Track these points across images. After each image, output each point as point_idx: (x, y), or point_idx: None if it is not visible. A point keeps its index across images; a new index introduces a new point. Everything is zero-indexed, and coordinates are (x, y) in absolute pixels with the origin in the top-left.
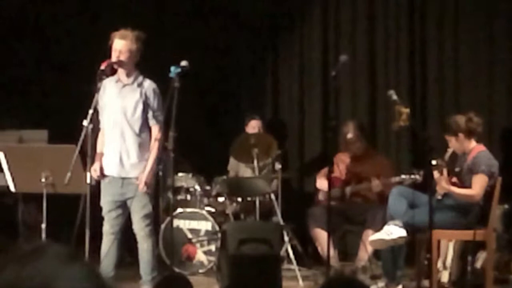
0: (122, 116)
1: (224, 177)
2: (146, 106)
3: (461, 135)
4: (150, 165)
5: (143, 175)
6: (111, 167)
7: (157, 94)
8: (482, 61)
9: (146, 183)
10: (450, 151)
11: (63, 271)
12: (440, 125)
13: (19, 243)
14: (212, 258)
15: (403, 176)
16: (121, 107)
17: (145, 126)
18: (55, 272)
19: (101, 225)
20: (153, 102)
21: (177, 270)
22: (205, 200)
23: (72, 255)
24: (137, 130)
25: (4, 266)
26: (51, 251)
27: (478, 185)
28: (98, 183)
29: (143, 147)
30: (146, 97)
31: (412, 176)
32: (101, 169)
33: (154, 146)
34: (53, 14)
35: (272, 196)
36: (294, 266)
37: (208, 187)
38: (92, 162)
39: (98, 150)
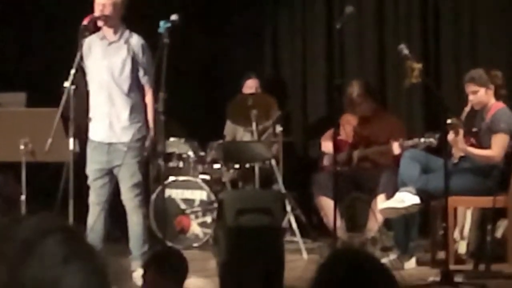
0: (109, 76)
1: (220, 141)
2: (135, 63)
3: (492, 87)
4: (153, 130)
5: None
6: (99, 132)
7: (146, 50)
8: (500, 13)
9: (147, 149)
10: (467, 109)
11: (64, 276)
12: (456, 82)
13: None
14: (208, 231)
15: (416, 140)
16: (107, 67)
17: (134, 86)
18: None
19: (86, 196)
20: (143, 58)
21: (169, 244)
22: (200, 167)
23: (68, 254)
24: (126, 91)
25: None
26: (44, 253)
27: (497, 145)
28: (82, 150)
29: (134, 109)
30: (135, 54)
31: (427, 140)
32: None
33: (152, 110)
34: None
35: (273, 162)
36: (298, 238)
37: (202, 153)
38: (77, 127)
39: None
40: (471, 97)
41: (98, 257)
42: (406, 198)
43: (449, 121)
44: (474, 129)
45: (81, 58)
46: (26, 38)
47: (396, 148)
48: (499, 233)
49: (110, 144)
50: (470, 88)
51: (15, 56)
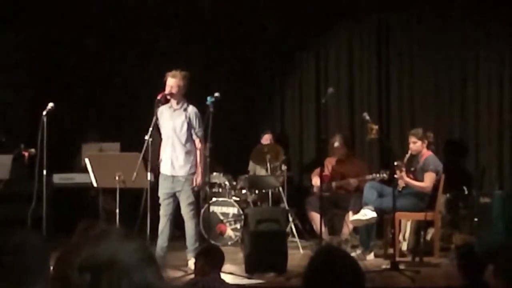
0: (172, 132)
1: (246, 175)
2: (190, 124)
3: (426, 141)
4: (200, 169)
5: (198, 176)
6: (165, 167)
7: (198, 116)
8: (431, 91)
9: (198, 182)
10: (407, 156)
11: (123, 248)
12: (400, 138)
13: (87, 227)
14: (238, 234)
15: (374, 175)
16: (172, 126)
17: (189, 139)
18: (117, 249)
19: (158, 210)
20: (195, 122)
21: (212, 242)
22: (232, 192)
23: (127, 235)
24: (183, 142)
25: (82, 246)
26: (113, 233)
27: (428, 179)
28: (156, 180)
29: (188, 153)
30: (190, 119)
31: (381, 175)
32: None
33: (199, 155)
34: (125, 60)
35: (280, 189)
36: (296, 239)
37: (234, 183)
38: (153, 165)
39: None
40: (411, 146)
41: (151, 251)
42: (367, 213)
43: (395, 163)
44: (412, 169)
45: (156, 120)
46: (122, 106)
47: (352, 182)
48: (428, 237)
49: (173, 176)
50: (411, 139)
51: (114, 117)
